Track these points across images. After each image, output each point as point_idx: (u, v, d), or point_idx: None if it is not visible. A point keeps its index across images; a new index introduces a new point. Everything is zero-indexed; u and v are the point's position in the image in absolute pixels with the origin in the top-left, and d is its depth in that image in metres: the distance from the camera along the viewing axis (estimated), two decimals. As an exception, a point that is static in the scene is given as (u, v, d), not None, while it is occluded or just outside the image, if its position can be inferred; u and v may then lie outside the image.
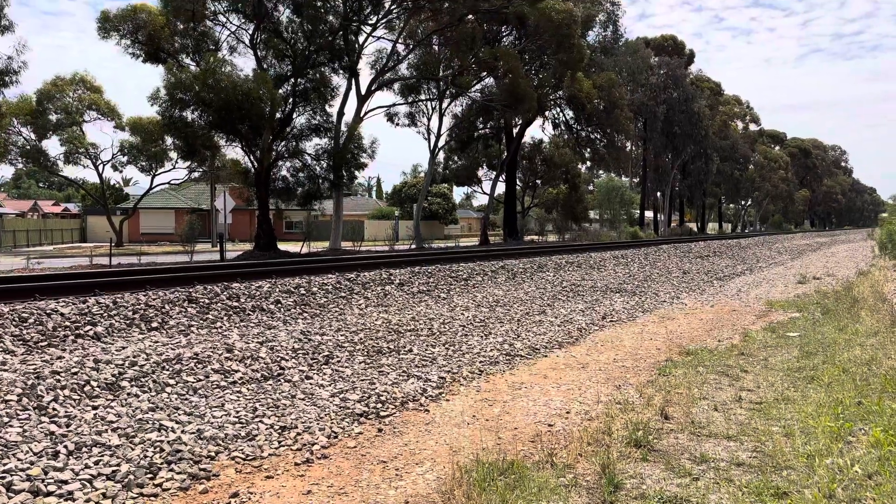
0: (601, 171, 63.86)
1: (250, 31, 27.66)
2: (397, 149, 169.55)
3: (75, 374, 6.50)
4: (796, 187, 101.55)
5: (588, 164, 52.69)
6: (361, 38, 31.02)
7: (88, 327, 8.16)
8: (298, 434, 5.97)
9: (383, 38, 33.07)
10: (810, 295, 16.64)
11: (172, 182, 47.34)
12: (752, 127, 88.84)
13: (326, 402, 6.84)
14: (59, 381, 6.29)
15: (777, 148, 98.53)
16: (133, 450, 5.28)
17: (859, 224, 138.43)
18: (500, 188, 46.26)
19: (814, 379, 7.68)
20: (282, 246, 30.27)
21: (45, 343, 7.63)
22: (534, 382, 8.08)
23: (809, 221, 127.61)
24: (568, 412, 6.80)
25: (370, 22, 30.35)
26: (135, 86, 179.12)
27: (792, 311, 13.88)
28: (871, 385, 7.01)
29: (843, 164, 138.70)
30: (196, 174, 45.02)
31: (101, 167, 43.08)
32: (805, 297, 16.37)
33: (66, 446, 5.17)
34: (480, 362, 8.91)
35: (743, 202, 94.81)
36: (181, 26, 26.16)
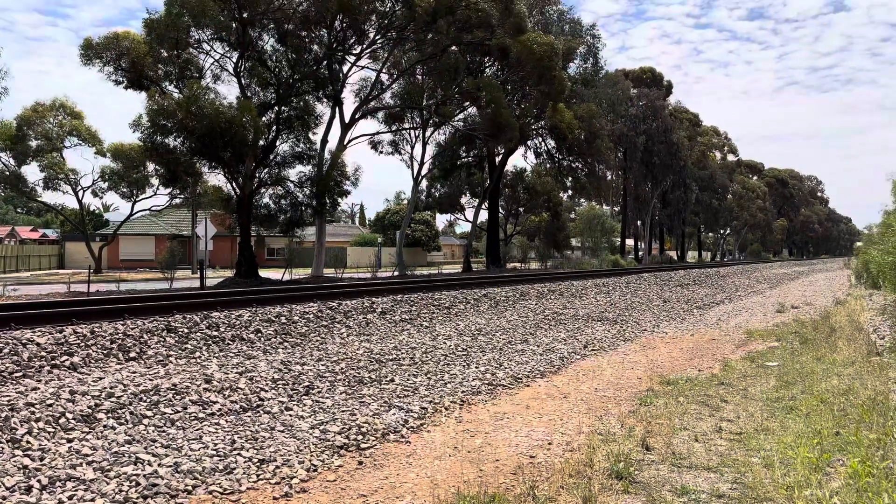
0: (582, 200, 64.53)
1: (234, 60, 27.78)
2: (381, 176, 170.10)
3: (50, 405, 6.39)
4: (774, 217, 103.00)
5: (570, 192, 53.18)
6: (346, 68, 31.28)
7: (65, 357, 8.04)
8: (277, 467, 5.90)
9: (367, 67, 33.38)
10: (789, 324, 16.82)
11: (153, 208, 47.02)
12: (731, 157, 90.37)
13: (306, 433, 6.77)
14: (33, 412, 6.18)
15: (755, 178, 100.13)
16: (108, 484, 5.19)
17: (836, 253, 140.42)
18: (483, 216, 46.55)
19: (793, 409, 7.74)
20: (263, 273, 30.09)
21: (20, 374, 7.50)
22: (516, 413, 8.06)
23: (787, 250, 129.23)
24: (550, 443, 6.78)
25: (354, 52, 30.63)
26: (116, 112, 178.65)
27: (771, 341, 14.01)
28: (849, 415, 7.08)
29: (819, 193, 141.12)
30: (177, 200, 44.77)
31: (80, 193, 42.73)
32: (784, 326, 16.54)
33: (39, 480, 5.07)
34: (462, 392, 8.88)
35: (722, 231, 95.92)
36: (165, 54, 26.19)
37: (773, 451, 6.18)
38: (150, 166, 36.32)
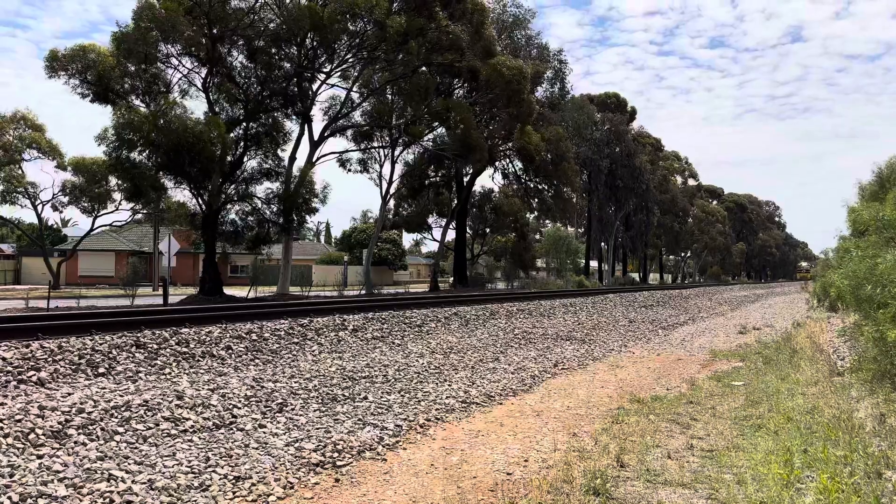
0: (548, 221, 65.18)
1: (203, 75, 27.57)
2: (347, 194, 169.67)
3: (19, 421, 6.23)
4: (733, 240, 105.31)
5: (536, 213, 53.74)
6: (315, 85, 31.25)
7: (32, 373, 7.83)
8: (253, 484, 5.84)
9: (337, 85, 33.39)
10: (751, 345, 17.19)
11: (114, 224, 46.10)
12: (691, 182, 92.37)
13: (281, 451, 6.71)
14: (1, 428, 6.02)
15: (714, 202, 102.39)
16: (81, 501, 5.08)
17: (793, 277, 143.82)
18: (451, 235, 46.70)
19: (761, 427, 7.92)
20: (227, 290, 29.69)
21: (-15, 389, 7.29)
22: (490, 430, 8.10)
23: (746, 274, 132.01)
24: (526, 460, 6.83)
25: (325, 70, 30.64)
26: (76, 124, 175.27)
27: (735, 361, 14.31)
28: (816, 433, 7.27)
29: (777, 218, 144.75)
30: (140, 216, 44.01)
31: (40, 207, 41.74)
32: (746, 346, 16.90)
33: (9, 497, 4.93)
34: (437, 410, 8.88)
35: (683, 254, 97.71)
36: (132, 68, 25.86)
37: (745, 468, 6.31)
38: (113, 181, 35.67)
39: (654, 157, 72.46)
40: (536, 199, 47.11)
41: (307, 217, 30.91)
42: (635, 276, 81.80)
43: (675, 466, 6.50)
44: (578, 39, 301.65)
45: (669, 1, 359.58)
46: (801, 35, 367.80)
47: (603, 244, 69.86)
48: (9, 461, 5.59)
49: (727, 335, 20.38)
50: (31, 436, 6.08)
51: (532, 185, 45.73)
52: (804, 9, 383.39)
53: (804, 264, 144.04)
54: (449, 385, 10.48)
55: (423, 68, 32.21)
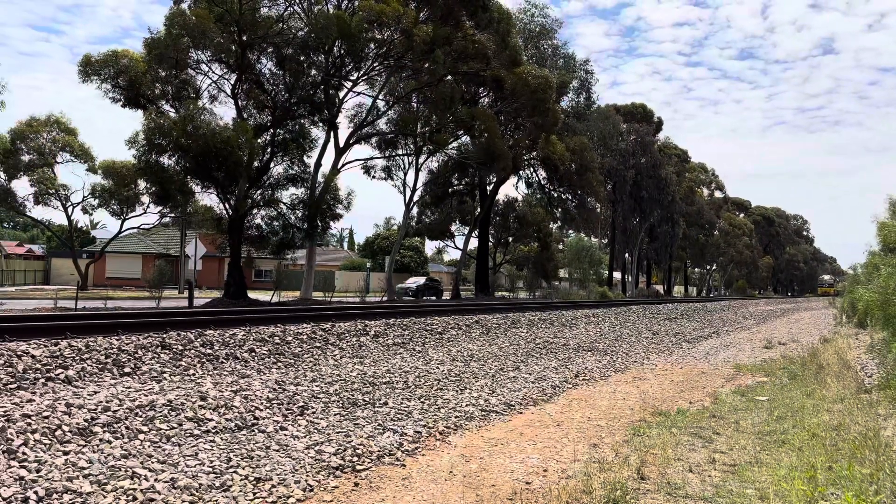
0: (571, 231, 64.94)
1: (232, 81, 27.98)
2: (371, 201, 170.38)
3: (46, 417, 6.35)
4: (760, 254, 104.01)
5: (559, 223, 53.60)
6: (342, 93, 31.56)
7: (60, 370, 7.99)
8: (273, 486, 5.87)
9: (363, 93, 33.72)
10: (776, 360, 16.94)
11: (142, 226, 46.82)
12: (718, 194, 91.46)
13: (301, 453, 6.75)
14: (29, 424, 6.14)
15: (741, 215, 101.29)
16: (105, 497, 5.16)
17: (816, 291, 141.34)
18: (473, 243, 46.75)
19: (785, 442, 7.80)
20: (251, 294, 29.97)
21: (15, 385, 7.44)
22: (510, 439, 8.07)
23: (773, 288, 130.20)
24: (545, 470, 6.80)
25: (351, 78, 30.93)
26: (107, 129, 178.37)
27: (759, 376, 14.11)
28: (841, 450, 7.15)
29: (804, 233, 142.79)
30: (167, 219, 44.65)
31: (70, 209, 42.55)
32: (772, 361, 16.66)
33: (35, 492, 5.03)
34: (456, 417, 8.88)
35: (708, 266, 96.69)
36: (163, 73, 26.35)
37: (768, 484, 6.22)
38: (142, 184, 36.26)
39: (681, 168, 71.91)
40: (560, 209, 47.02)
41: (331, 223, 31.21)
42: (659, 288, 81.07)
43: (696, 480, 6.42)
44: (605, 49, 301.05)
45: (698, 12, 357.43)
46: (833, 47, 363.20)
47: (627, 255, 69.39)
48: (36, 456, 5.70)
49: (752, 350, 20.10)
50: (58, 432, 6.19)
51: (556, 195, 45.65)
52: (836, 21, 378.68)
53: (826, 277, 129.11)
54: (469, 393, 10.47)
55: (449, 77, 32.37)
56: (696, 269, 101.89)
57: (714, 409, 10.08)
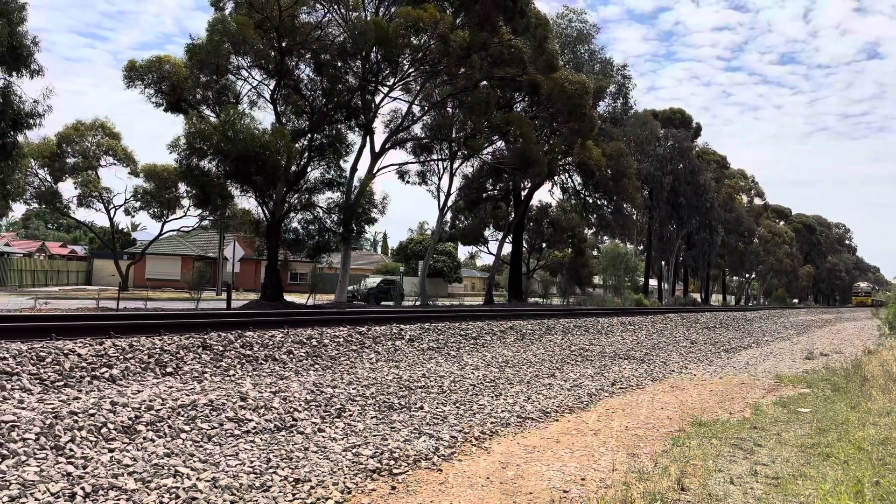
0: (606, 238, 64.30)
1: (271, 87, 28.39)
2: (404, 205, 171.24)
3: (92, 415, 6.50)
4: (800, 263, 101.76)
5: (594, 229, 53.12)
6: (378, 98, 31.77)
7: (104, 369, 8.17)
8: (312, 487, 5.92)
9: (399, 98, 33.86)
10: (819, 371, 16.56)
11: (182, 229, 47.72)
12: (757, 201, 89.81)
13: (339, 455, 6.80)
14: (76, 421, 6.29)
15: (782, 223, 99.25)
16: (149, 495, 5.26)
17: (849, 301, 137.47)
18: (506, 249, 46.58)
19: (829, 456, 7.61)
20: (287, 297, 30.31)
21: (62, 383, 7.64)
22: (546, 447, 8.02)
23: (813, 297, 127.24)
24: (583, 479, 6.74)
25: (388, 83, 31.12)
26: (146, 133, 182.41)
27: (801, 387, 13.80)
28: (889, 465, 6.95)
29: (847, 241, 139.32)
30: (206, 222, 45.42)
31: (112, 211, 43.59)
32: (814, 372, 16.28)
33: (83, 488, 5.15)
34: (492, 423, 8.85)
35: (747, 275, 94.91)
36: (204, 79, 26.86)
37: (813, 498, 6.08)
38: (183, 188, 36.97)
39: (719, 174, 70.77)
40: (595, 215, 46.60)
41: (366, 227, 31.44)
42: (696, 296, 79.80)
43: (738, 492, 6.31)
44: (643, 54, 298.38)
45: (738, 16, 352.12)
46: (878, 51, 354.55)
47: (663, 263, 68.46)
48: (82, 453, 5.84)
49: (793, 360, 19.67)
50: (104, 430, 6.33)
51: (591, 201, 45.28)
52: (881, 24, 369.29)
53: (863, 285, 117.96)
54: (504, 399, 10.43)
55: (484, 82, 32.36)
56: (734, 278, 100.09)
57: (755, 421, 9.88)
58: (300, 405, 8.25)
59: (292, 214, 30.06)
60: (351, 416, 8.40)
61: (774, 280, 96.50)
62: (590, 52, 44.06)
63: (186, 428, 6.86)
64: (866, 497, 5.87)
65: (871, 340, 28.34)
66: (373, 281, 42.77)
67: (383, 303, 37.93)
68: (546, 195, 59.62)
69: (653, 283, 69.39)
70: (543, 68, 32.96)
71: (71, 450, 5.85)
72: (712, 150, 72.56)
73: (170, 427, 6.77)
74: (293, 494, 5.73)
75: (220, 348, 10.03)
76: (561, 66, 35.55)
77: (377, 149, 32.29)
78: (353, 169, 31.20)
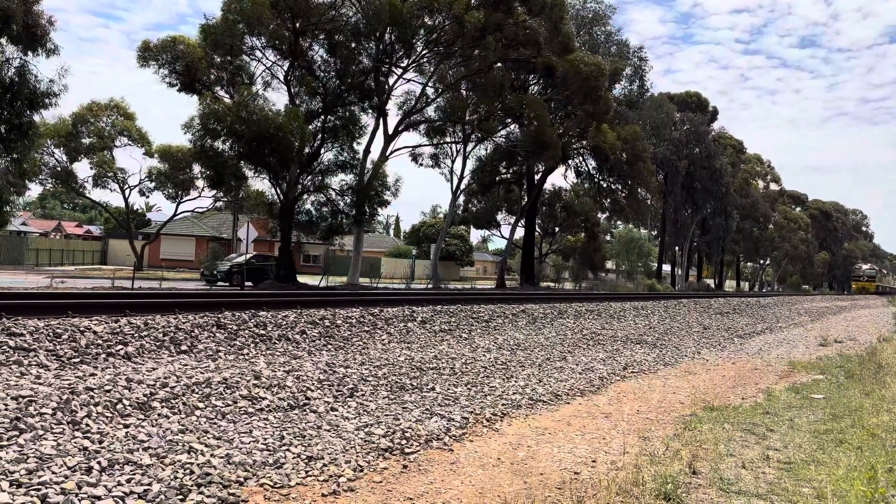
0: (619, 222, 64.01)
1: (285, 68, 28.34)
2: (418, 188, 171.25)
3: (108, 391, 6.57)
4: (816, 249, 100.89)
5: (608, 214, 52.86)
6: (392, 80, 31.66)
7: (120, 347, 8.25)
8: (325, 465, 5.96)
9: (413, 80, 33.74)
10: (833, 357, 16.45)
11: (196, 210, 47.96)
12: (773, 186, 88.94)
13: (352, 434, 6.84)
14: (92, 397, 6.36)
15: (798, 209, 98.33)
16: (164, 470, 5.31)
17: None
18: (519, 233, 46.50)
19: (842, 442, 7.58)
20: (299, 278, 30.45)
21: (78, 360, 7.73)
22: (557, 429, 8.03)
23: (828, 284, 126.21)
24: (594, 461, 6.75)
25: (401, 65, 30.99)
26: (160, 114, 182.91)
27: (815, 373, 13.72)
28: (903, 452, 6.91)
29: (863, 228, 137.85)
30: (220, 203, 45.63)
31: (127, 192, 43.86)
32: (827, 359, 16.17)
33: (99, 462, 5.21)
34: (503, 405, 8.87)
35: (761, 261, 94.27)
36: (218, 59, 26.86)
37: (825, 483, 6.05)
38: (197, 168, 37.15)
39: (736, 159, 70.13)
40: (609, 199, 46.36)
41: (379, 209, 31.46)
42: (710, 282, 79.38)
43: (750, 477, 6.29)
44: (660, 36, 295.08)
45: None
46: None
47: (676, 248, 68.10)
48: (98, 428, 5.90)
49: (807, 346, 19.56)
50: (119, 406, 6.40)
51: (605, 185, 45.03)
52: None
53: (865, 267, 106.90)
54: (515, 381, 10.45)
55: (499, 63, 32.14)
56: (748, 264, 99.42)
57: (767, 406, 9.84)
58: (313, 384, 8.30)
59: (305, 196, 30.14)
60: (363, 395, 8.45)
61: (789, 266, 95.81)
62: (606, 34, 43.61)
63: (201, 405, 6.92)
64: (880, 483, 5.84)
65: (887, 328, 28.11)
66: (238, 257, 32.92)
67: (248, 283, 28.94)
68: (559, 179, 59.74)
69: (666, 268, 69.08)
70: (559, 50, 32.68)
71: (87, 425, 5.92)
72: (728, 134, 71.93)
73: (184, 404, 6.84)
74: (306, 472, 5.78)
75: (234, 327, 10.09)
76: (576, 47, 35.21)
77: (390, 131, 32.24)
78: (367, 151, 31.21)
